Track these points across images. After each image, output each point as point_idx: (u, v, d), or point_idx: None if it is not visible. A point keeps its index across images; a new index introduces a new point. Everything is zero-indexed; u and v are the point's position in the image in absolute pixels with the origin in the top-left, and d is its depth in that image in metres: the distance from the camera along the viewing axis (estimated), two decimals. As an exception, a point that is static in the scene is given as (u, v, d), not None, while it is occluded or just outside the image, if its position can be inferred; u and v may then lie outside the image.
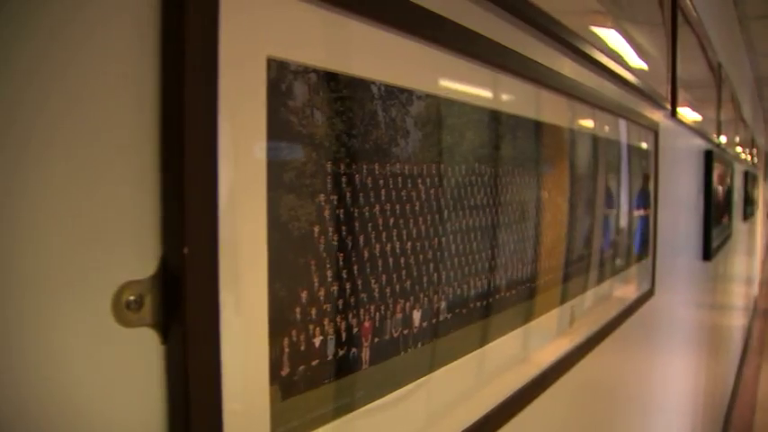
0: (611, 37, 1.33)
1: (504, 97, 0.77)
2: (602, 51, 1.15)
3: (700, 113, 2.84)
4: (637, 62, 1.59)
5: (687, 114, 2.35)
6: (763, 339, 7.70)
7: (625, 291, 1.41)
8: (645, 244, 1.56)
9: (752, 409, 5.43)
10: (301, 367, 0.50)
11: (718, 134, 3.31)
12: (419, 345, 0.63)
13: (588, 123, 1.12)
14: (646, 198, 1.57)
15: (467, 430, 0.69)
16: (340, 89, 0.52)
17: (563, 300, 1.00)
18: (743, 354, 6.83)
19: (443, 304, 0.66)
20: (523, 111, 0.83)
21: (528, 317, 0.86)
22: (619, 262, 1.33)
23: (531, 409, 0.91)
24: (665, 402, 2.18)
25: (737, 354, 6.32)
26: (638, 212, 1.50)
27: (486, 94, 0.73)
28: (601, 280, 1.22)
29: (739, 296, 6.33)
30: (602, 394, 1.40)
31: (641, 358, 1.77)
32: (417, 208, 0.61)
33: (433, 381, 0.65)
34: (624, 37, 1.44)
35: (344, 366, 0.54)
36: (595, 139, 1.17)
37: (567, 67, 0.98)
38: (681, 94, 2.22)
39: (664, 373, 2.14)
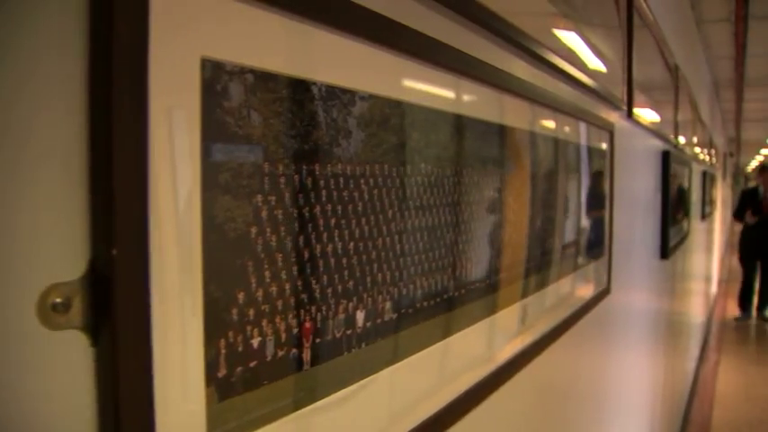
0: (569, 39, 1.35)
1: (452, 98, 0.78)
2: (557, 53, 1.17)
3: (658, 114, 2.89)
4: (594, 64, 1.61)
5: (644, 115, 2.39)
6: (722, 336, 7.85)
7: (581, 289, 1.43)
8: (600, 243, 1.58)
9: (710, 405, 5.53)
10: (239, 368, 0.49)
11: (676, 135, 3.37)
12: (363, 345, 0.63)
13: (543, 124, 1.13)
14: (601, 197, 1.59)
15: (414, 430, 0.70)
16: (278, 90, 0.52)
17: (516, 298, 1.01)
18: (702, 350, 6.96)
19: (389, 304, 0.66)
20: (473, 111, 0.83)
21: (479, 316, 0.87)
22: (574, 261, 1.35)
23: (483, 408, 0.91)
24: (622, 398, 2.21)
25: (697, 350, 6.44)
26: (594, 212, 1.52)
27: (432, 94, 0.73)
28: (556, 278, 1.23)
29: (698, 294, 6.44)
30: (559, 391, 1.41)
31: (598, 355, 1.79)
32: (360, 208, 0.62)
33: (380, 381, 0.65)
34: (583, 39, 1.46)
35: (284, 367, 0.54)
36: (550, 140, 1.18)
37: (520, 68, 0.99)
38: (638, 96, 2.25)
39: (621, 370, 2.17)
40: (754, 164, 28.24)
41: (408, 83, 0.69)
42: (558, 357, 1.36)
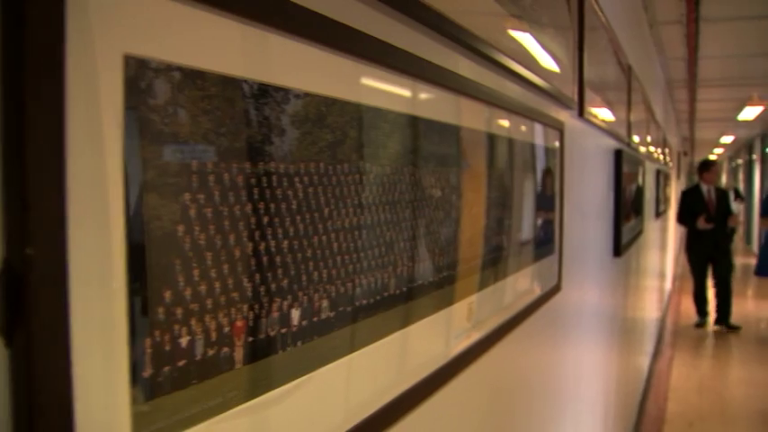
0: (518, 39, 1.37)
1: (392, 95, 0.78)
2: (504, 53, 1.18)
3: (611, 114, 2.93)
4: (545, 64, 1.63)
5: (597, 115, 2.43)
6: (676, 332, 8.02)
7: (531, 286, 1.45)
8: (551, 240, 1.60)
9: (664, 398, 5.65)
10: (166, 368, 0.49)
11: (629, 134, 3.43)
12: (299, 343, 0.63)
13: (489, 122, 1.14)
14: (551, 195, 1.61)
15: (353, 430, 0.70)
16: (207, 87, 0.52)
17: (463, 295, 1.02)
18: (657, 346, 7.09)
19: (326, 303, 0.66)
20: (414, 109, 0.84)
21: (423, 313, 0.87)
22: (524, 258, 1.36)
23: (429, 405, 0.92)
24: (576, 392, 2.24)
25: (652, 346, 6.56)
26: (544, 209, 1.54)
27: (370, 91, 0.74)
28: (505, 276, 1.24)
29: (653, 290, 6.57)
30: (511, 386, 1.43)
31: (551, 350, 1.81)
32: (295, 206, 0.61)
33: (317, 379, 0.65)
34: (533, 40, 1.48)
35: (215, 366, 0.53)
36: (497, 139, 1.19)
37: (464, 66, 1.00)
38: (591, 96, 2.29)
39: (574, 365, 2.21)
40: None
41: (344, 80, 0.69)
42: (509, 353, 1.37)
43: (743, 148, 19.54)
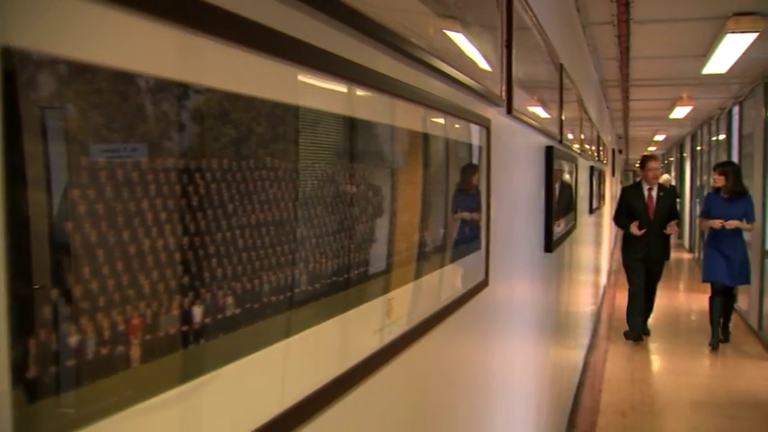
0: (444, 37, 1.38)
1: (300, 92, 0.78)
2: (427, 50, 1.19)
3: (542, 112, 2.99)
4: (473, 63, 1.65)
5: (528, 112, 2.47)
6: (611, 324, 8.22)
7: (455, 281, 1.46)
8: (477, 236, 1.62)
9: (599, 389, 5.80)
10: (52, 368, 0.48)
11: (561, 131, 3.50)
12: (202, 341, 0.62)
13: (410, 119, 1.15)
14: (477, 191, 1.63)
15: (259, 430, 0.69)
16: (97, 82, 0.51)
17: (381, 292, 1.02)
18: (592, 338, 7.26)
19: (231, 300, 0.66)
20: (325, 106, 0.84)
21: (336, 310, 0.87)
22: (448, 254, 1.38)
23: (347, 401, 0.92)
24: (508, 386, 2.28)
25: (587, 339, 6.71)
26: (469, 205, 1.55)
27: (278, 88, 0.73)
28: (427, 272, 1.25)
29: (587, 285, 6.72)
30: (437, 382, 1.44)
31: (480, 345, 1.84)
32: (196, 203, 0.61)
33: (221, 378, 0.65)
34: (461, 38, 1.49)
35: (108, 366, 0.52)
36: (419, 135, 1.20)
37: (378, 62, 1.00)
38: (522, 94, 2.32)
39: (506, 359, 2.24)
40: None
41: (249, 76, 0.68)
42: (435, 348, 1.38)
43: (675, 146, 20.16)
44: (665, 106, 10.73)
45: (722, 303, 6.98)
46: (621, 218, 7.23)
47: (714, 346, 6.98)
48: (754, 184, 8.10)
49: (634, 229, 6.93)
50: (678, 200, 14.10)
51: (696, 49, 6.33)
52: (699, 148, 14.20)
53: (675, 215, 7.23)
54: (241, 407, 0.68)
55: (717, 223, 6.72)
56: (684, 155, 17.76)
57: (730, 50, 5.96)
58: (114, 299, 0.53)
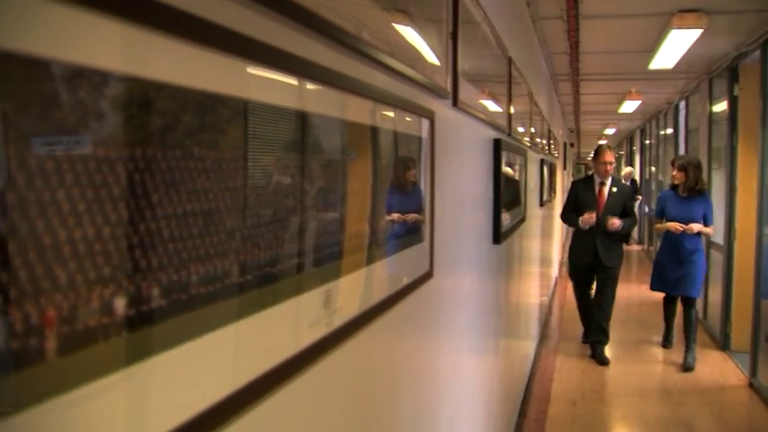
0: (389, 29, 1.38)
1: (230, 81, 0.77)
2: (366, 41, 1.19)
3: (491, 104, 3.01)
4: (417, 54, 1.66)
5: (475, 105, 2.48)
6: (562, 315, 8.36)
7: (397, 273, 1.46)
8: (420, 228, 1.63)
9: (550, 379, 5.90)
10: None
11: (510, 124, 3.53)
12: (124, 333, 0.61)
13: (348, 109, 1.15)
14: (420, 183, 1.63)
15: (183, 427, 0.68)
16: (7, 68, 0.50)
17: (318, 283, 1.02)
18: (543, 330, 7.38)
19: (156, 291, 0.65)
20: (258, 96, 0.83)
21: (269, 302, 0.87)
22: (389, 246, 1.38)
23: (280, 396, 0.92)
24: (454, 377, 2.29)
25: (537, 330, 6.81)
26: (412, 196, 1.56)
27: (206, 77, 0.72)
28: (367, 263, 1.25)
29: (538, 277, 6.81)
30: (380, 374, 1.44)
31: (425, 336, 1.84)
32: (117, 192, 0.60)
33: (144, 371, 0.64)
34: (405, 30, 1.49)
35: (20, 359, 0.51)
36: (357, 126, 1.20)
37: (315, 52, 1.00)
38: (469, 86, 2.34)
39: (453, 350, 2.26)
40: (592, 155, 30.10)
41: (174, 64, 0.67)
42: (377, 340, 1.39)
43: (625, 139, 20.54)
44: (615, 100, 10.92)
45: (676, 306, 6.53)
46: (568, 214, 6.49)
47: (666, 346, 6.77)
48: (699, 178, 8.29)
49: (585, 218, 6.14)
50: (639, 198, 13.98)
51: (643, 45, 6.45)
52: (648, 141, 14.49)
53: (628, 214, 6.39)
54: (165, 401, 0.67)
55: (676, 227, 5.97)
56: (634, 148, 18.11)
57: (676, 46, 6.09)
58: (26, 290, 0.51)
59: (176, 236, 0.68)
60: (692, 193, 6.00)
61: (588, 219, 6.15)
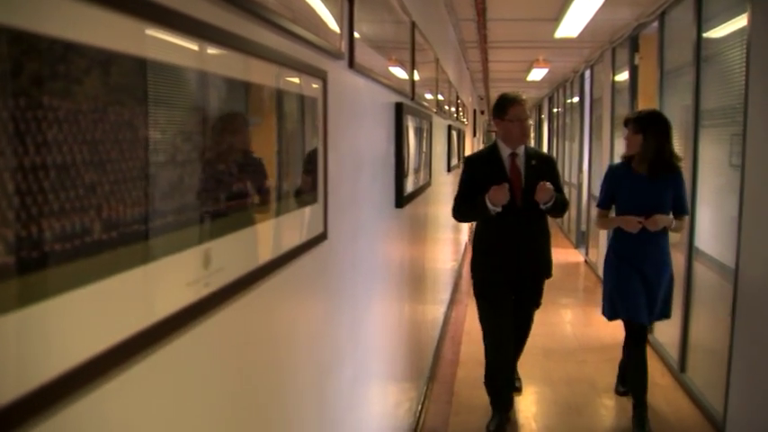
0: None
1: (85, 27, 0.73)
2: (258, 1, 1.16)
3: (394, 69, 3.01)
4: (317, 15, 1.63)
5: (375, 68, 2.48)
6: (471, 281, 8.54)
7: (288, 233, 1.45)
8: (313, 189, 1.62)
9: (459, 342, 6.04)
10: None
11: (413, 89, 3.54)
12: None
13: (231, 66, 1.12)
14: (311, 143, 1.62)
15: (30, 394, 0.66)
16: None
17: (194, 242, 1.00)
18: (453, 294, 7.53)
19: (0, 247, 0.62)
20: (117, 45, 0.80)
21: (138, 261, 0.85)
22: (278, 205, 1.36)
23: (157, 357, 0.90)
24: (354, 340, 2.31)
25: (447, 294, 6.95)
26: (301, 157, 1.54)
27: (54, 20, 0.69)
28: (254, 222, 1.24)
29: (447, 242, 6.92)
30: (270, 337, 1.43)
31: (322, 298, 1.84)
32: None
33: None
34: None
35: None
36: (240, 84, 1.17)
37: (192, 5, 0.97)
38: (369, 50, 2.33)
39: (353, 313, 2.27)
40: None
41: (14, 6, 0.63)
42: (269, 300, 1.38)
43: (533, 108, 20.98)
44: (523, 68, 11.12)
45: (643, 353, 4.18)
46: (463, 205, 4.00)
47: (620, 393, 4.80)
48: (602, 146, 8.59)
49: (493, 191, 3.68)
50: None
51: (549, 13, 6.58)
52: (556, 110, 14.85)
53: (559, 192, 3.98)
54: (14, 364, 0.64)
55: (633, 223, 3.92)
56: (543, 117, 18.53)
57: (579, 15, 6.25)
58: None
59: (23, 189, 0.64)
60: (656, 169, 3.91)
61: (499, 194, 3.69)
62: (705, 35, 4.62)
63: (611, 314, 4.26)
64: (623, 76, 7.48)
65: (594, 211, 5.29)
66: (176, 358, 0.97)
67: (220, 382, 1.17)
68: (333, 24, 1.86)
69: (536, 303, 4.38)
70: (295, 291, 1.58)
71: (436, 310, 5.82)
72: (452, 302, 7.31)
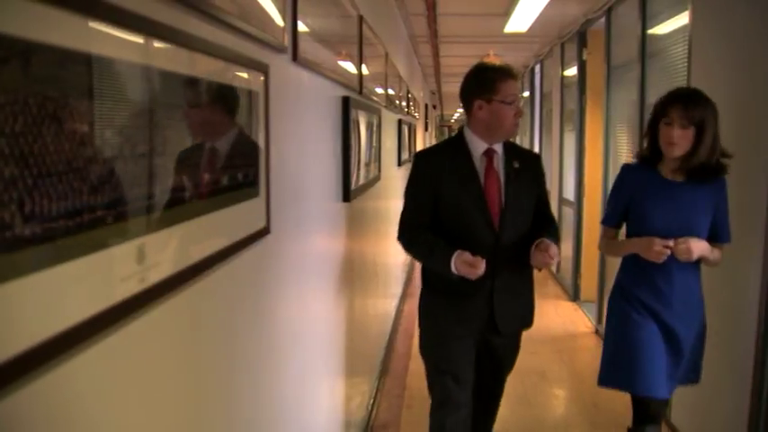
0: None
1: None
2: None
3: (341, 63, 3.00)
4: (260, 7, 1.62)
5: (320, 61, 2.46)
6: (423, 273, 8.56)
7: (227, 227, 1.43)
8: (254, 183, 1.60)
9: (411, 335, 6.07)
10: None
11: (361, 83, 3.54)
12: None
13: (166, 60, 1.11)
14: (251, 137, 1.60)
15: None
16: None
17: (127, 237, 0.98)
18: (405, 288, 7.56)
19: None
20: (41, 36, 0.78)
21: (66, 256, 0.83)
22: (217, 199, 1.35)
23: (87, 356, 0.88)
24: (300, 335, 2.30)
25: (399, 288, 6.97)
26: (241, 150, 1.53)
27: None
28: (190, 216, 1.22)
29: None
30: (213, 331, 1.42)
31: (265, 293, 1.83)
32: None
33: None
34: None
35: None
36: (176, 77, 1.16)
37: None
38: (314, 43, 2.32)
39: (299, 307, 2.26)
40: (457, 116, 30.67)
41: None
42: (208, 296, 1.36)
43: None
44: (474, 63, 11.16)
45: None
46: (416, 231, 2.83)
47: None
48: (552, 140, 8.72)
49: (468, 270, 2.58)
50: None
51: (498, 8, 6.63)
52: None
53: (543, 216, 2.90)
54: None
55: (658, 248, 2.66)
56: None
57: (528, 10, 6.32)
58: None
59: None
60: (701, 174, 2.69)
61: (470, 271, 2.60)
62: (650, 32, 4.72)
63: (611, 381, 2.86)
64: (572, 71, 7.59)
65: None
66: (107, 357, 0.96)
67: (155, 384, 1.15)
68: (276, 17, 1.84)
69: (511, 365, 3.14)
70: (238, 285, 1.57)
71: (388, 304, 5.83)
72: (405, 296, 7.34)
